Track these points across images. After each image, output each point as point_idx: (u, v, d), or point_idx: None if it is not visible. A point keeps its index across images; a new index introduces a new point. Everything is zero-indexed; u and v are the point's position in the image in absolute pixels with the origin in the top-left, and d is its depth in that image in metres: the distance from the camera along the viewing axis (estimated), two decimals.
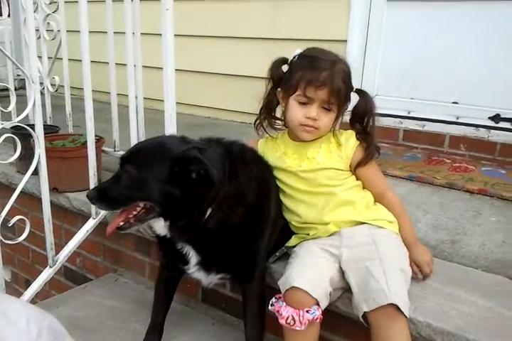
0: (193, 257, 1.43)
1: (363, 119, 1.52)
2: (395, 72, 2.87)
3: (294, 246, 1.54)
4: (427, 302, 1.37)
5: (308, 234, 1.52)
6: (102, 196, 1.34)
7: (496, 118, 2.59)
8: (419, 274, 1.46)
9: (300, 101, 1.46)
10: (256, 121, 1.62)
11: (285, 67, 1.53)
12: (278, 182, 1.57)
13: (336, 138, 1.53)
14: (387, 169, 2.39)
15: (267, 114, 1.60)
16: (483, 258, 1.63)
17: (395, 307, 1.23)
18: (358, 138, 1.52)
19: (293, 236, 1.58)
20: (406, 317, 1.24)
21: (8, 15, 2.79)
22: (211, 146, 1.40)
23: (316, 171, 1.51)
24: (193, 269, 1.46)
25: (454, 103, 2.71)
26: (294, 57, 1.51)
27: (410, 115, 2.82)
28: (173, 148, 1.34)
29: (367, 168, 1.53)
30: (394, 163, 2.49)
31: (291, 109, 1.49)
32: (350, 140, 1.52)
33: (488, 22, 2.55)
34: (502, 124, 2.58)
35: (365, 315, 1.28)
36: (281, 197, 1.57)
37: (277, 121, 1.61)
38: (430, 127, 2.74)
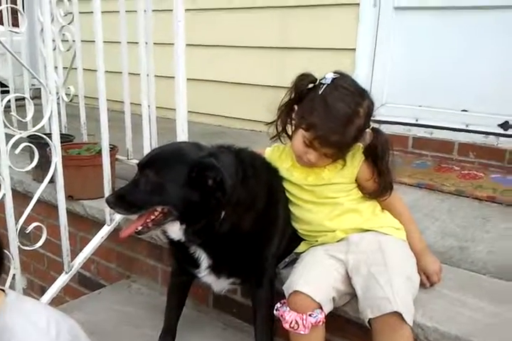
0: (205, 261, 1.47)
1: (376, 159, 1.48)
2: (403, 79, 2.88)
3: (303, 252, 1.57)
4: (435, 308, 1.38)
5: (316, 241, 1.54)
6: (121, 201, 1.38)
7: (505, 125, 2.60)
8: (427, 283, 1.47)
9: (304, 141, 1.43)
10: (270, 125, 1.57)
11: (310, 85, 1.46)
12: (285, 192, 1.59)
13: None
14: (396, 176, 2.39)
15: (283, 125, 1.56)
16: (491, 264, 1.65)
17: (399, 315, 1.24)
18: (363, 153, 1.50)
19: (302, 243, 1.60)
20: (409, 325, 1.25)
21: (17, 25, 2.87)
22: (223, 152, 1.44)
23: (321, 186, 1.52)
24: (204, 273, 1.49)
25: (463, 111, 2.72)
26: (322, 85, 1.43)
27: (419, 122, 2.83)
28: (189, 153, 1.39)
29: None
30: (403, 170, 2.50)
31: (295, 138, 1.48)
32: (355, 156, 1.50)
33: (498, 29, 2.56)
34: (511, 131, 2.58)
35: (369, 321, 1.30)
36: (288, 206, 1.59)
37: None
38: (439, 134, 2.75)
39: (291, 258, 1.61)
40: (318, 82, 1.46)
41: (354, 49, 2.96)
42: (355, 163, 1.51)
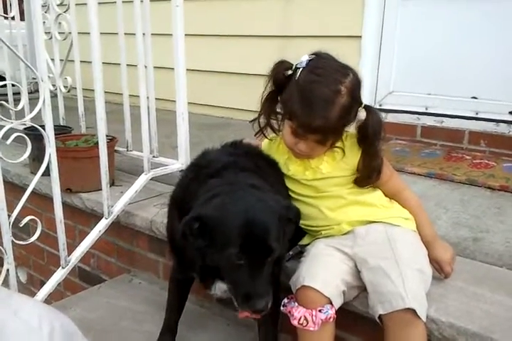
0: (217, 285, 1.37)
1: (367, 139, 1.39)
2: (411, 67, 2.81)
3: (308, 245, 1.50)
4: (450, 302, 1.31)
5: (321, 234, 1.47)
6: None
7: None
8: (442, 274, 1.40)
9: (292, 131, 1.38)
10: (253, 122, 1.50)
11: (289, 72, 1.39)
12: None
13: (340, 143, 1.42)
14: (405, 166, 2.33)
15: (267, 119, 1.48)
16: (507, 256, 1.57)
17: (412, 311, 1.18)
18: (357, 139, 1.41)
19: (306, 235, 1.53)
20: (423, 321, 1.19)
21: (23, 19, 2.83)
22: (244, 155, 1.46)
23: (321, 180, 1.45)
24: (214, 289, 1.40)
25: (473, 98, 2.64)
26: (298, 69, 1.36)
27: (428, 111, 2.75)
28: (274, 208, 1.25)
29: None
30: (412, 159, 2.44)
31: (284, 130, 1.42)
32: (355, 145, 1.42)
33: (508, 14, 2.47)
34: None
35: (380, 316, 1.23)
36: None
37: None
38: (449, 123, 2.68)
39: (296, 251, 1.54)
40: (294, 67, 1.39)
41: (360, 36, 2.88)
42: (354, 152, 1.43)
